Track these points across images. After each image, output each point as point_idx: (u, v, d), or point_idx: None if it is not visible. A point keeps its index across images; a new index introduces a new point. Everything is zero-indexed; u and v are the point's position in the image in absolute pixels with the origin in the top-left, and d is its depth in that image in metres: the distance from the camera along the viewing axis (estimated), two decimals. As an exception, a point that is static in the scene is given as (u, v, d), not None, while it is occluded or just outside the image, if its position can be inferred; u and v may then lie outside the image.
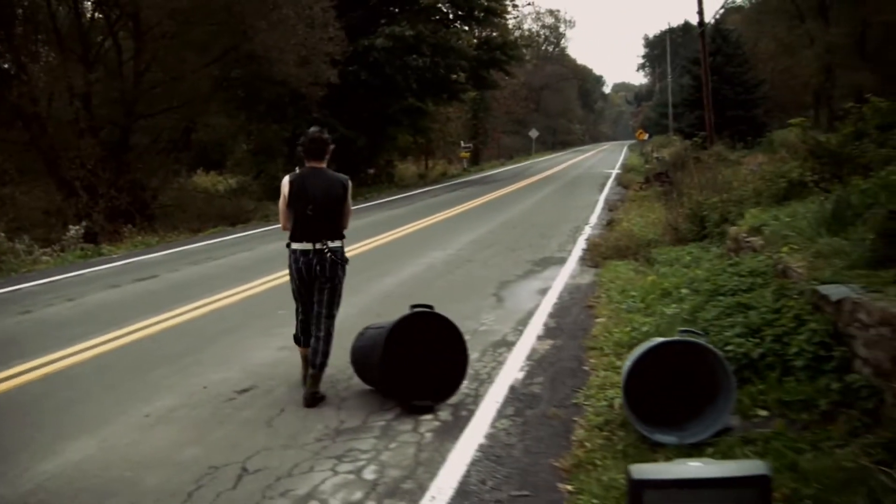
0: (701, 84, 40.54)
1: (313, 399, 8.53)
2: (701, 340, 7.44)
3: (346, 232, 8.71)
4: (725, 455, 6.64)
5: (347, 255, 8.80)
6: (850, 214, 9.75)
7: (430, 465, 6.87)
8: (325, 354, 8.65)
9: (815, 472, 6.07)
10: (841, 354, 7.62)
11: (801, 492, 5.78)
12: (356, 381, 9.08)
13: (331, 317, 8.69)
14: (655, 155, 51.10)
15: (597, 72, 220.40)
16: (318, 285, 8.50)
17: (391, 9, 47.88)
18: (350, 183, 8.58)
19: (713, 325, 8.99)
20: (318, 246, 8.37)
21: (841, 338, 7.77)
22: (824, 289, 8.09)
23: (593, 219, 26.36)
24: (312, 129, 8.62)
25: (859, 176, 11.37)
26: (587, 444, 7.20)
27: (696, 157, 30.15)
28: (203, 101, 33.04)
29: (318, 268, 8.38)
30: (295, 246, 8.46)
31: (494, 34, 57.29)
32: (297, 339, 9.07)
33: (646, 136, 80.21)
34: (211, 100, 34.21)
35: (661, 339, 7.64)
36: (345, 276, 8.72)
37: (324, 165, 8.48)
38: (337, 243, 8.48)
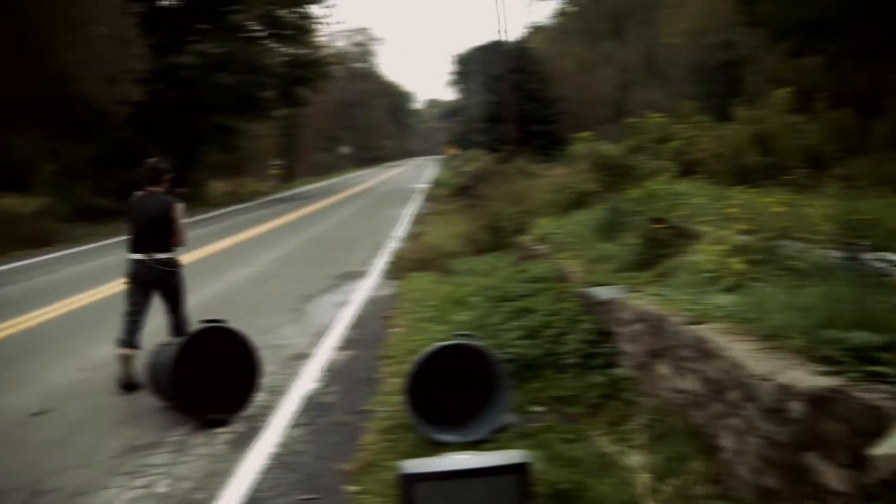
0: (504, 100, 41.70)
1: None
2: (477, 343, 7.83)
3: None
4: (502, 449, 7.03)
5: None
6: (621, 221, 10.43)
7: (222, 476, 7.00)
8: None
9: (580, 460, 6.54)
10: (607, 351, 8.22)
11: (568, 478, 6.20)
12: (152, 398, 9.09)
13: (174, 311, 9.91)
14: (463, 169, 52.03)
15: (408, 88, 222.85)
16: (156, 290, 9.79)
17: (200, 26, 47.18)
18: (177, 204, 9.76)
19: (499, 329, 9.41)
20: (147, 257, 9.57)
21: (608, 335, 8.37)
22: (594, 291, 8.69)
23: (399, 233, 26.69)
24: (151, 159, 10.02)
25: (632, 185, 12.13)
26: (373, 447, 7.45)
27: (499, 170, 30.98)
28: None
29: (149, 276, 9.59)
30: (130, 256, 9.65)
31: (304, 52, 57.15)
32: (122, 342, 9.56)
33: (455, 151, 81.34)
34: (10, 118, 32.84)
35: (440, 344, 7.96)
36: (181, 279, 9.95)
37: (160, 189, 9.80)
38: (165, 255, 9.68)
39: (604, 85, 54.43)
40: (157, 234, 9.66)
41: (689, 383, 6.40)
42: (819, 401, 4.44)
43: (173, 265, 9.85)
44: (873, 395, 4.19)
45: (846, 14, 27.08)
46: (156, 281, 9.72)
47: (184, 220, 9.86)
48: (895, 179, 12.28)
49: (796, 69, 22.29)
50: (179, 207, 9.80)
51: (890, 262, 6.23)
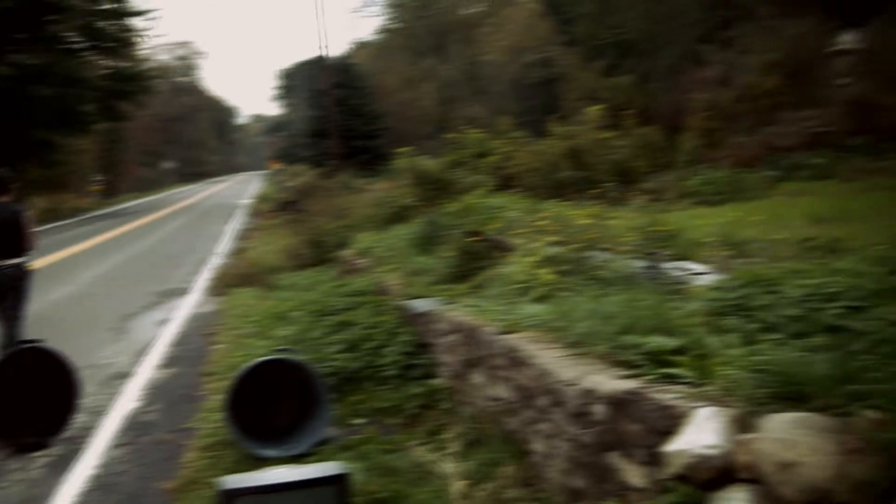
0: (328, 115, 41.66)
1: None
2: (297, 357, 7.85)
3: None
4: (323, 462, 7.07)
5: None
6: (439, 235, 10.62)
7: (39, 501, 6.79)
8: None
9: (399, 470, 6.65)
10: (425, 362, 8.37)
11: (387, 487, 6.28)
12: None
13: (16, 318, 9.88)
14: (287, 184, 51.66)
15: (232, 103, 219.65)
16: (6, 295, 9.86)
17: (16, 36, 45.18)
18: (27, 212, 10.14)
19: (320, 343, 9.43)
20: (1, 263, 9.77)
21: (426, 347, 8.51)
22: (411, 303, 8.82)
23: (223, 249, 26.32)
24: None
25: (450, 200, 12.36)
26: (196, 464, 7.37)
27: (323, 185, 30.93)
28: None
29: (2, 280, 9.77)
30: None
31: (126, 65, 55.55)
32: None
33: (279, 166, 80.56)
34: None
35: (259, 360, 7.94)
36: (28, 285, 10.06)
37: (7, 199, 10.02)
38: (15, 260, 9.87)
39: (427, 101, 55.04)
40: (8, 241, 9.85)
41: (502, 391, 6.58)
42: (619, 403, 4.66)
43: (25, 269, 10.05)
44: (667, 395, 4.43)
45: (654, 36, 28.39)
46: (6, 286, 9.87)
47: (35, 228, 10.13)
48: (697, 193, 12.94)
49: (610, 87, 23.18)
50: (30, 214, 10.12)
51: (687, 270, 6.58)
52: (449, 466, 6.35)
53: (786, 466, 3.71)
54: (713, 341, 4.72)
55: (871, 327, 4.45)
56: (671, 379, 4.60)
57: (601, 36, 29.33)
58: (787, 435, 3.84)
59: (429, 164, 16.32)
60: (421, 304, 8.64)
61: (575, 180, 13.61)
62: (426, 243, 10.77)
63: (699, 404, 4.25)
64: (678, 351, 4.79)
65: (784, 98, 17.49)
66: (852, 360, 4.20)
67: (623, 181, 13.72)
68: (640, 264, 6.76)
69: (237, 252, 24.01)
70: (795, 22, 20.22)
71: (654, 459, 4.35)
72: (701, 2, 30.16)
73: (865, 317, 4.62)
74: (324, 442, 7.52)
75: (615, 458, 4.78)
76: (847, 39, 21.52)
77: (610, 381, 4.83)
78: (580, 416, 5.07)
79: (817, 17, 22.22)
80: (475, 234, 9.19)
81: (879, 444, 3.76)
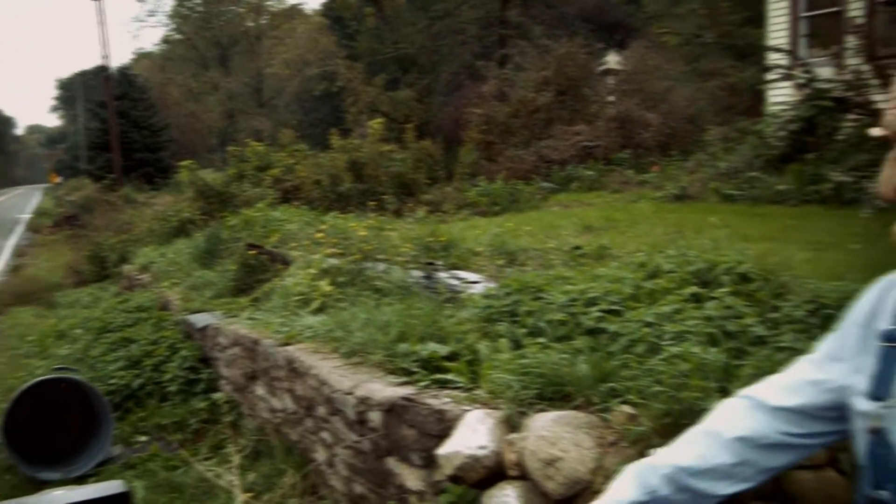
0: (109, 127, 40.27)
1: None
2: (75, 376, 7.58)
3: None
4: (105, 481, 6.85)
5: None
6: (220, 248, 10.47)
7: None
8: None
9: (183, 485, 6.53)
10: (208, 376, 8.24)
11: (172, 504, 6.17)
12: None
13: None
14: (67, 198, 49.64)
15: (8, 113, 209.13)
16: None
17: None
18: None
19: (100, 361, 9.16)
20: None
21: (208, 361, 8.38)
22: (193, 318, 8.67)
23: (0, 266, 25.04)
24: None
25: (232, 213, 12.22)
26: (-27, 491, 7.00)
27: (105, 199, 29.90)
28: None
29: None
30: None
31: None
32: None
33: (59, 179, 77.28)
34: None
35: (35, 380, 7.65)
36: None
37: None
38: None
39: (211, 113, 54.08)
40: None
41: (283, 402, 6.57)
42: (394, 409, 4.74)
43: None
44: (440, 400, 4.54)
45: (434, 52, 28.93)
46: None
47: None
48: (474, 204, 13.26)
49: (391, 101, 23.44)
50: None
51: (461, 279, 6.74)
52: (233, 480, 6.27)
53: (549, 462, 3.87)
54: (484, 347, 4.87)
55: (627, 329, 4.70)
56: (444, 384, 4.71)
57: (383, 51, 29.64)
58: (550, 432, 4.00)
59: (211, 177, 16.06)
60: (202, 319, 8.51)
61: (356, 193, 13.70)
62: (208, 257, 10.60)
63: (470, 407, 4.37)
64: (451, 357, 4.91)
65: (557, 113, 18.18)
66: (609, 359, 4.42)
67: (403, 193, 13.93)
68: (416, 274, 6.88)
69: (15, 269, 22.91)
70: (566, 42, 21.06)
71: (429, 462, 4.45)
72: (479, 20, 30.98)
73: (622, 319, 4.87)
74: (107, 461, 7.33)
75: (393, 463, 4.86)
76: (612, 59, 22.65)
77: (385, 389, 4.90)
78: (358, 423, 5.12)
79: (586, 38, 23.24)
80: (255, 247, 9.12)
81: (632, 437, 3.98)
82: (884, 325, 1.55)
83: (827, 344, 1.72)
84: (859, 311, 1.64)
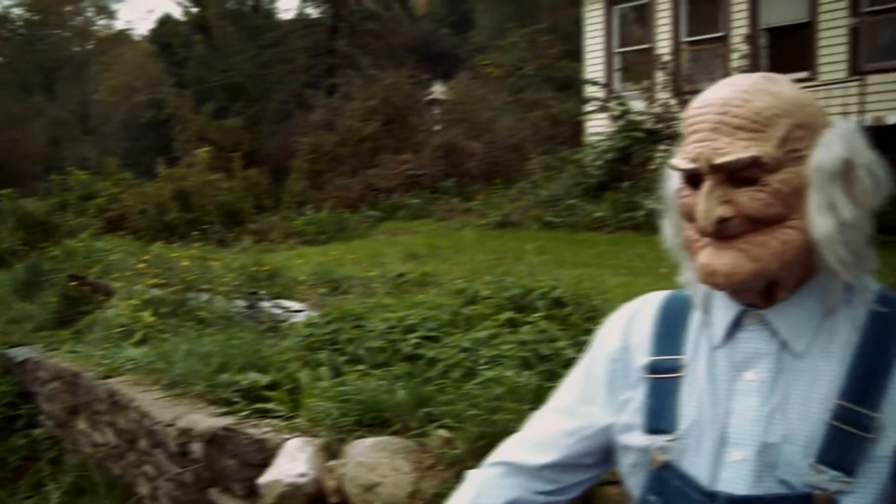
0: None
1: None
2: None
3: None
4: None
5: None
6: (42, 280, 10.10)
7: None
8: None
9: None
10: (28, 412, 7.91)
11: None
12: None
13: None
14: None
15: None
16: None
17: None
18: None
19: None
20: None
21: (28, 396, 8.05)
22: (11, 352, 8.33)
23: None
24: None
25: (55, 243, 11.81)
26: None
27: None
28: None
29: None
30: None
31: None
32: None
33: None
34: None
35: None
36: None
37: None
38: None
39: (34, 139, 52.00)
40: None
41: (105, 436, 6.40)
42: (215, 440, 4.69)
43: None
44: (260, 429, 4.53)
45: (263, 80, 28.73)
46: None
47: None
48: (301, 233, 13.22)
49: (219, 129, 23.11)
50: None
51: (284, 308, 6.74)
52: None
53: (368, 488, 3.92)
54: (304, 375, 4.88)
55: (444, 354, 4.80)
56: (265, 413, 4.70)
57: (211, 78, 29.24)
58: (368, 458, 4.05)
59: (33, 206, 15.44)
60: (21, 353, 8.19)
61: (183, 222, 13.45)
62: (28, 289, 10.20)
63: (290, 436, 4.38)
64: (271, 386, 4.91)
65: (384, 142, 18.31)
66: (426, 385, 4.51)
67: (231, 222, 13.75)
68: (239, 304, 6.83)
69: None
70: (393, 72, 21.26)
71: (251, 492, 4.42)
72: (307, 49, 30.94)
73: (440, 345, 4.97)
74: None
75: (216, 494, 4.81)
76: (439, 90, 22.99)
77: (206, 420, 4.85)
78: (180, 455, 5.04)
79: (413, 69, 23.51)
80: (77, 278, 8.85)
81: (448, 460, 4.06)
82: (643, 357, 1.52)
83: (572, 389, 1.63)
84: (606, 347, 1.58)
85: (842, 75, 13.67)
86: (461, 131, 18.24)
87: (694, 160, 1.36)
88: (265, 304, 6.78)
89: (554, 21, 24.47)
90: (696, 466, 1.40)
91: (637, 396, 1.50)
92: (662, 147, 13.11)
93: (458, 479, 4.01)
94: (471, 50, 28.15)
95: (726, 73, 13.27)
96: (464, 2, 39.20)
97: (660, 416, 1.45)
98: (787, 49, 14.66)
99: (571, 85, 18.75)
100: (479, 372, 4.55)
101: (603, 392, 1.55)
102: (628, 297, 5.25)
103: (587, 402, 1.58)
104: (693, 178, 1.38)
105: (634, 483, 1.52)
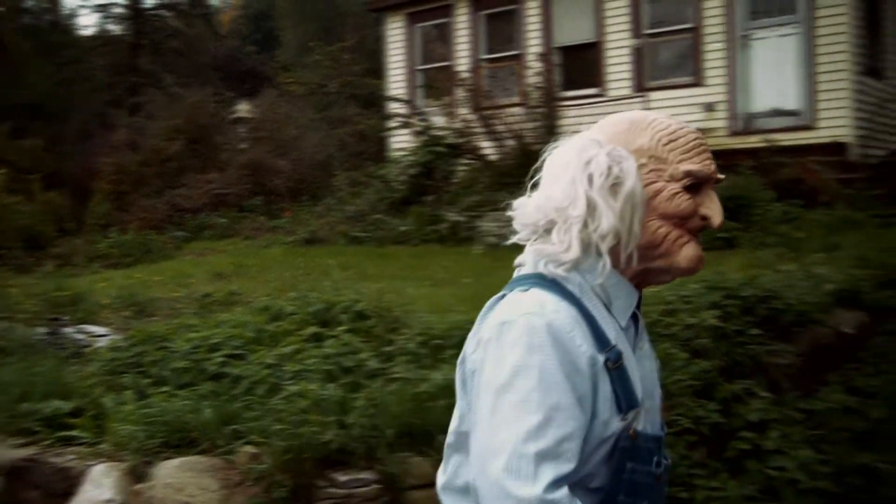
0: None
1: None
2: None
3: None
4: None
5: None
6: None
7: None
8: None
9: None
10: None
11: None
12: None
13: None
14: None
15: None
16: None
17: None
18: None
19: None
20: None
21: None
22: None
23: None
24: None
25: None
26: None
27: None
28: None
29: None
30: None
31: None
32: None
33: None
34: None
35: None
36: None
37: None
38: None
39: None
40: None
41: None
42: (16, 471, 4.55)
43: None
44: (63, 458, 4.44)
45: (62, 100, 27.67)
46: None
47: None
48: (106, 256, 12.84)
49: (17, 150, 22.10)
50: None
51: (88, 333, 6.57)
52: None
53: (176, 508, 3.91)
54: (108, 400, 4.80)
55: (249, 371, 4.83)
56: (69, 441, 4.60)
57: (6, 97, 27.93)
58: (176, 479, 4.05)
59: None
60: None
61: (-25, 249, 12.82)
62: None
63: (95, 462, 4.31)
64: (75, 413, 4.81)
65: (189, 162, 17.95)
66: (232, 403, 4.53)
67: (31, 247, 13.19)
68: (40, 331, 6.61)
69: None
70: (197, 90, 20.91)
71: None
72: (109, 67, 30.01)
73: (245, 363, 4.99)
74: None
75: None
76: (244, 108, 22.73)
77: (7, 452, 4.70)
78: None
79: (217, 87, 23.19)
80: None
81: (256, 475, 4.11)
82: (597, 353, 1.60)
83: (570, 411, 1.56)
84: (583, 354, 1.59)
85: (628, 92, 14.40)
86: (267, 149, 18.12)
87: (712, 173, 1.70)
88: (68, 330, 6.58)
89: (357, 39, 24.59)
90: (646, 424, 1.68)
91: (604, 389, 1.61)
92: (464, 161, 13.46)
93: (266, 493, 4.07)
94: (276, 68, 27.96)
95: (522, 90, 13.76)
96: (268, 20, 38.89)
97: (629, 397, 1.62)
98: (579, 67, 15.30)
99: (376, 102, 18.96)
100: (284, 387, 4.62)
101: (590, 396, 1.60)
102: (431, 307, 5.43)
103: (584, 411, 1.59)
104: (692, 187, 1.69)
105: (601, 468, 1.63)
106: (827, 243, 8.80)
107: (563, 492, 1.51)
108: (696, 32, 14.15)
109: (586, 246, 1.63)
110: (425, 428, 4.37)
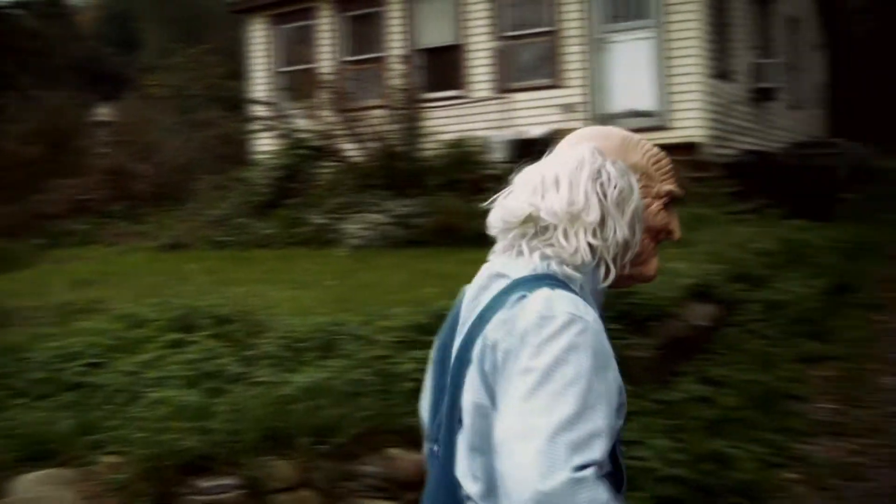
0: None
1: None
2: None
3: None
4: None
5: None
6: None
7: None
8: None
9: None
10: None
11: None
12: None
13: None
14: None
15: None
16: None
17: None
18: None
19: None
20: None
21: None
22: None
23: None
24: None
25: None
26: None
27: None
28: None
29: None
30: None
31: None
32: None
33: None
34: None
35: None
36: None
37: None
38: None
39: None
40: None
41: None
42: None
43: None
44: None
45: None
46: None
47: None
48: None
49: None
50: None
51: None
52: None
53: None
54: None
55: (109, 380, 4.77)
56: None
57: None
58: (33, 493, 3.97)
59: None
60: None
61: None
62: None
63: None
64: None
65: (49, 166, 17.40)
66: (92, 412, 4.47)
67: None
68: None
69: None
70: (55, 93, 20.30)
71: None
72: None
73: (105, 371, 4.92)
74: None
75: None
76: (104, 111, 22.16)
77: None
78: None
79: (78, 89, 22.53)
80: None
81: (117, 485, 4.06)
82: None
83: (603, 409, 1.62)
84: (608, 360, 1.68)
85: (489, 93, 14.64)
86: (129, 153, 17.71)
87: (681, 193, 1.95)
88: None
89: (220, 41, 24.24)
90: None
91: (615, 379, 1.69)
92: (327, 163, 13.45)
93: (128, 503, 4.03)
94: (138, 70, 27.34)
95: (385, 92, 13.82)
96: (130, 21, 37.96)
97: (622, 389, 1.73)
98: (441, 69, 15.49)
99: (239, 104, 18.76)
100: (145, 394, 4.57)
101: (615, 393, 1.69)
102: (295, 310, 5.46)
103: (613, 408, 1.67)
104: (667, 205, 1.94)
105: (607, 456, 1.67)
106: (682, 240, 9.14)
107: (592, 471, 1.54)
108: (554, 35, 14.50)
109: (593, 252, 1.75)
110: (287, 431, 4.40)
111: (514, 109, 13.94)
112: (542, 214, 1.74)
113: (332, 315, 6.16)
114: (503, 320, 1.69)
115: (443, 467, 1.79)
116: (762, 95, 15.86)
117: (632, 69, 13.98)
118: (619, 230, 1.75)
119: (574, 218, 1.73)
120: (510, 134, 13.53)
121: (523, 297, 1.69)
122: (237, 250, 11.43)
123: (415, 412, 4.79)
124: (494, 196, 1.86)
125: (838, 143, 17.77)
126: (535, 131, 13.58)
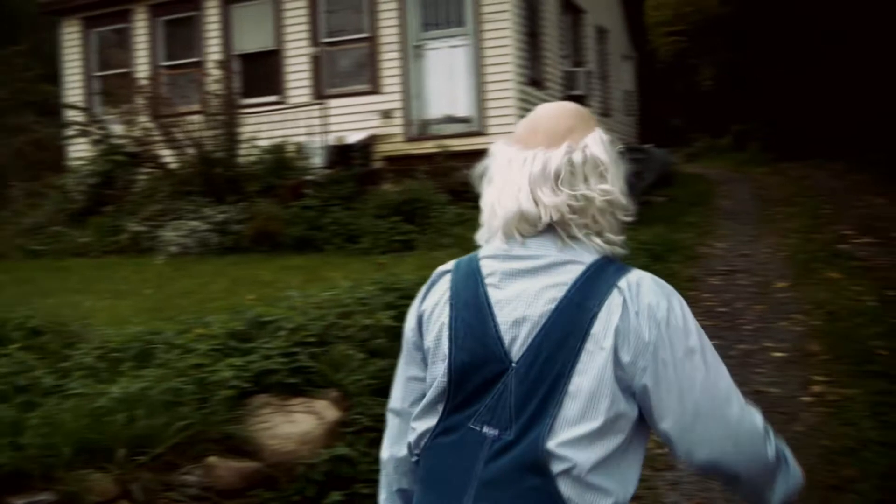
0: None
1: None
2: None
3: None
4: None
5: None
6: None
7: None
8: None
9: None
10: None
11: None
12: None
13: None
14: None
15: None
16: None
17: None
18: None
19: None
20: None
21: None
22: None
23: None
24: None
25: None
26: None
27: None
28: None
29: None
30: None
31: None
32: None
33: None
34: None
35: None
36: None
37: None
38: None
39: None
40: None
41: None
42: None
43: None
44: None
45: None
46: None
47: None
48: None
49: None
50: None
51: None
52: None
53: None
54: None
55: None
56: None
57: None
58: None
59: None
60: None
61: None
62: None
63: None
64: None
65: None
66: None
67: None
68: None
69: None
70: None
71: None
72: None
73: None
74: None
75: None
76: None
77: None
78: None
79: None
80: None
81: None
82: None
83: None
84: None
85: (307, 99, 14.59)
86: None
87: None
88: None
89: (33, 43, 23.19)
90: None
91: None
92: (144, 170, 13.15)
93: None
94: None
95: (202, 97, 13.59)
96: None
97: None
98: (259, 74, 15.32)
99: (53, 109, 18.07)
100: (-48, 411, 4.39)
101: None
102: (111, 320, 5.37)
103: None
104: None
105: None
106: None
107: None
108: (372, 42, 14.58)
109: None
110: (104, 443, 4.31)
111: (332, 115, 13.92)
112: (598, 202, 1.81)
113: (149, 324, 6.07)
114: (634, 311, 1.75)
115: (525, 448, 1.72)
116: (574, 102, 16.32)
117: (448, 76, 14.21)
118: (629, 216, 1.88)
119: (616, 202, 1.84)
120: (328, 139, 13.57)
121: (620, 281, 1.78)
122: (52, 259, 11.05)
123: (234, 420, 4.78)
124: (484, 193, 1.90)
125: (646, 149, 18.62)
126: (353, 137, 13.67)
